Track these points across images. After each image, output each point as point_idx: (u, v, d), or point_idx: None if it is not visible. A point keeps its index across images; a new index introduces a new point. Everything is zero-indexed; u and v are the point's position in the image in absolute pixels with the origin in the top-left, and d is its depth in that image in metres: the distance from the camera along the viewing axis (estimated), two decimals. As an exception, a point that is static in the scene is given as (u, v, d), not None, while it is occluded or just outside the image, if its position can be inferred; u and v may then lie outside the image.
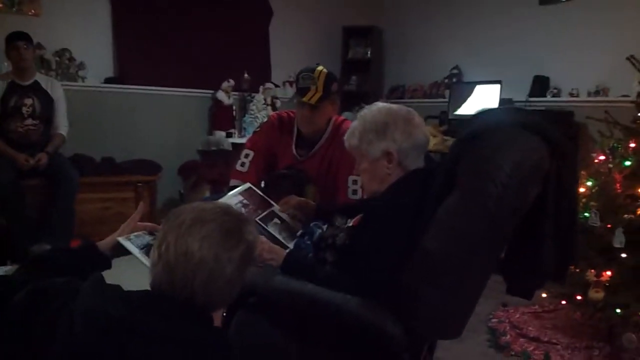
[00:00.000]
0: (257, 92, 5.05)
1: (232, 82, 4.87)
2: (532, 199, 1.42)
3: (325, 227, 1.89)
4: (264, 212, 2.08)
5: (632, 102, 3.14)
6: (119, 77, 4.44)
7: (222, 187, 4.45)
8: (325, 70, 2.40)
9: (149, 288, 1.21)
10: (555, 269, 1.61)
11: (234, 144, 4.61)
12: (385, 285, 1.44)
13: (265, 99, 5.03)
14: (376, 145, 1.63)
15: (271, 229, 1.99)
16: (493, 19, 4.91)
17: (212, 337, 1.13)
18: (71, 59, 4.18)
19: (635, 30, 3.71)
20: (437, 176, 1.48)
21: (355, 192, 2.40)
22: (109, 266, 1.46)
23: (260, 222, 1.98)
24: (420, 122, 1.67)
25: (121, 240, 1.47)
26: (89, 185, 3.78)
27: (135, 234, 1.52)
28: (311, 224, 1.94)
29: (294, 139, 2.51)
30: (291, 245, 1.93)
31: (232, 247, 1.11)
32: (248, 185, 2.19)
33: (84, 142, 4.09)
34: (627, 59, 2.86)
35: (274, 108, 5.11)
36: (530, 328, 2.88)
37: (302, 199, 2.25)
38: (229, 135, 4.73)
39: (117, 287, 1.20)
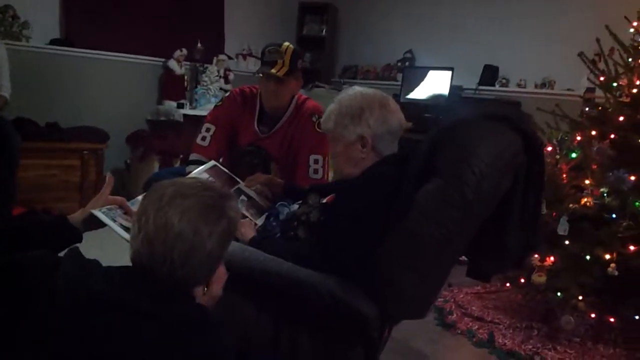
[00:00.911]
0: (210, 63, 4.95)
1: (184, 51, 4.73)
2: (504, 189, 1.49)
3: (292, 206, 1.90)
4: (230, 189, 2.06)
5: (579, 96, 3.32)
6: (66, 39, 4.21)
7: (171, 159, 4.38)
8: (292, 46, 2.39)
9: (122, 263, 1.19)
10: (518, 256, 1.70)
11: (185, 116, 4.50)
12: (356, 262, 1.48)
13: (218, 71, 4.93)
14: (351, 130, 1.65)
15: (239, 206, 1.98)
16: (448, 6, 5.00)
17: (193, 313, 1.12)
18: (15, 17, 3.92)
19: (583, 27, 3.86)
20: (414, 161, 1.52)
21: (316, 171, 2.42)
22: (80, 239, 1.42)
23: None
24: (395, 108, 1.70)
25: (96, 212, 1.43)
26: (32, 150, 3.59)
27: (107, 207, 1.49)
28: (277, 204, 1.95)
29: (257, 114, 2.49)
30: (259, 222, 1.93)
31: (212, 221, 1.10)
32: (213, 162, 2.17)
33: (28, 105, 3.88)
34: (578, 55, 3.00)
35: (226, 80, 5.03)
36: (473, 308, 3.02)
37: (269, 175, 2.25)
38: (180, 106, 4.61)
39: (97, 262, 1.18)
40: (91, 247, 1.41)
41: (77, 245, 1.33)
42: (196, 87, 4.87)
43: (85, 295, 1.05)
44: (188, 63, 4.85)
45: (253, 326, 1.47)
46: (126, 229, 1.45)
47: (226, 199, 1.16)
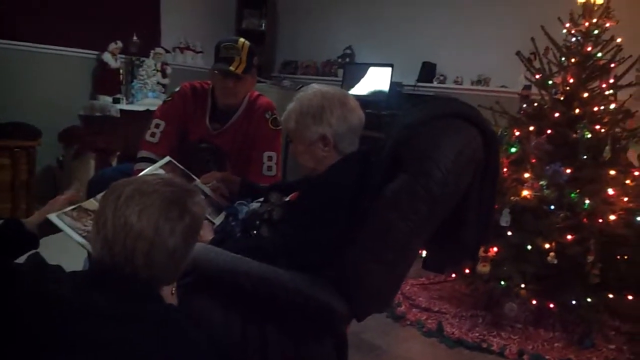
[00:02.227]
0: (146, 56, 4.79)
1: (119, 43, 4.55)
2: (465, 184, 1.54)
3: (251, 204, 1.88)
4: None
5: (516, 93, 3.48)
6: (-9, 30, 3.96)
7: (108, 157, 4.22)
8: (247, 42, 2.36)
9: (81, 268, 1.14)
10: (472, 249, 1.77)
11: (122, 111, 4.33)
12: (322, 257, 1.49)
13: (155, 64, 4.79)
14: (313, 129, 1.65)
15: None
16: (387, 3, 5.08)
17: (167, 312, 1.10)
18: None
19: (516, 27, 4.05)
20: (379, 158, 1.54)
21: (270, 168, 2.40)
22: (36, 245, 1.35)
23: None
24: (355, 105, 1.72)
25: (52, 218, 1.36)
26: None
27: (64, 210, 1.42)
28: (235, 204, 1.92)
29: (209, 111, 2.45)
30: (217, 221, 1.90)
31: (174, 217, 1.07)
32: (168, 158, 2.11)
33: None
34: (516, 54, 3.14)
35: (164, 75, 4.90)
36: (420, 299, 3.11)
37: (225, 172, 2.21)
38: (116, 100, 4.43)
39: (59, 268, 1.13)
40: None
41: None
42: (132, 81, 4.71)
43: (54, 303, 1.01)
44: (123, 56, 4.67)
45: (221, 327, 1.45)
46: (81, 234, 1.40)
47: (189, 194, 1.13)
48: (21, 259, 1.21)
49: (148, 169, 2.03)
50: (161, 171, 1.99)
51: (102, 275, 1.08)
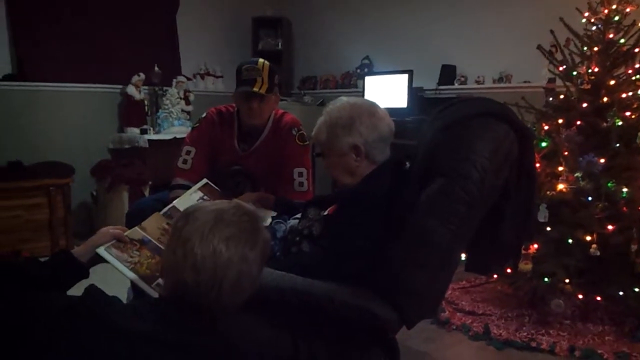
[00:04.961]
0: (168, 85, 4.89)
1: (142, 75, 4.65)
2: (502, 181, 1.53)
3: (288, 221, 1.90)
4: None
5: (541, 87, 3.44)
6: (19, 74, 4.09)
7: (140, 187, 4.29)
8: (267, 62, 2.40)
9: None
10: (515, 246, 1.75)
11: (150, 141, 4.42)
12: (366, 268, 1.49)
13: (178, 93, 4.88)
14: (343, 140, 1.67)
15: None
16: (399, 9, 5.10)
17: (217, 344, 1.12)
18: (-37, 54, 3.80)
19: (533, 20, 4.02)
20: (415, 165, 1.54)
21: (301, 184, 2.42)
22: (86, 275, 1.39)
23: None
24: (384, 114, 1.73)
25: (101, 252, 1.40)
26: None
27: (111, 243, 1.45)
28: (272, 222, 1.94)
29: (236, 133, 2.48)
30: None
31: (254, 245, 1.12)
32: (205, 180, 2.15)
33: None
34: (537, 48, 3.11)
35: (187, 102, 4.98)
36: (463, 303, 3.07)
37: (259, 192, 2.24)
38: (144, 131, 4.52)
39: (118, 299, 1.16)
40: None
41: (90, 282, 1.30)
42: (157, 111, 4.80)
43: (121, 334, 1.03)
44: (146, 87, 4.78)
45: (271, 346, 1.46)
46: (130, 267, 1.43)
47: (259, 221, 1.18)
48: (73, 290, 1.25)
49: (188, 191, 2.06)
50: (200, 193, 2.03)
51: (177, 305, 1.10)
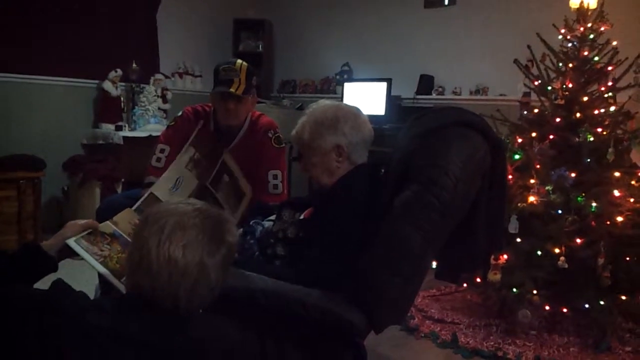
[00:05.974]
0: (146, 83, 4.83)
1: (119, 71, 4.59)
2: (474, 191, 1.55)
3: (264, 223, 1.89)
4: (214, 169, 2.26)
5: (516, 101, 3.50)
6: (-8, 66, 4.00)
7: (113, 184, 4.22)
8: (245, 63, 2.39)
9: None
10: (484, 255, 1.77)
11: (125, 138, 4.36)
12: (342, 274, 1.49)
13: (155, 90, 4.82)
14: (327, 139, 1.67)
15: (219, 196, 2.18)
16: (381, 19, 5.14)
17: (191, 343, 1.11)
18: None
19: (511, 35, 4.10)
20: (390, 170, 1.55)
21: (276, 186, 2.42)
22: (55, 269, 1.36)
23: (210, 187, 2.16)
24: (365, 118, 1.75)
25: (71, 243, 1.37)
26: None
27: (81, 235, 1.43)
28: (251, 222, 1.93)
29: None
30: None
31: (214, 251, 1.10)
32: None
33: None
34: (514, 62, 3.17)
35: (164, 100, 4.93)
36: (432, 310, 3.09)
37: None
38: (119, 128, 4.46)
39: (84, 294, 1.14)
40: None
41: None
42: (134, 108, 4.74)
43: (84, 331, 1.02)
44: (123, 84, 4.72)
45: (239, 346, 1.45)
46: (100, 260, 1.40)
47: (224, 223, 1.16)
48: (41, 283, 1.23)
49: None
50: (191, 150, 2.20)
51: (135, 302, 1.09)
